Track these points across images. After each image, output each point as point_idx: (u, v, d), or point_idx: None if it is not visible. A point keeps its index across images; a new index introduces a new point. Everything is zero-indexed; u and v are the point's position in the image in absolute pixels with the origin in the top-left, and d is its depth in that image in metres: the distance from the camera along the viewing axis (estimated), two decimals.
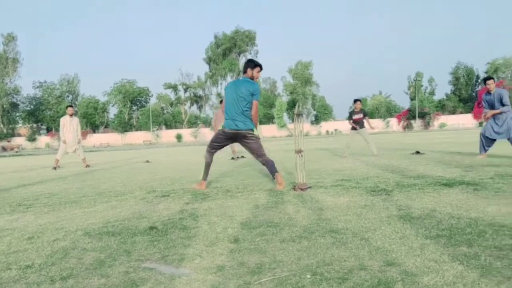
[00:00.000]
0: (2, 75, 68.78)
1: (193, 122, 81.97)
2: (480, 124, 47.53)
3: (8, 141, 65.15)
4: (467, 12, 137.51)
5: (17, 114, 73.30)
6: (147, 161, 12.93)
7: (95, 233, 3.10)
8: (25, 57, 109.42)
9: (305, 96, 72.93)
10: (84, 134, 62.83)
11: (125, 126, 73.71)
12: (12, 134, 70.41)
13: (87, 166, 11.34)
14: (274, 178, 5.09)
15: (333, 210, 3.51)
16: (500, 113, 7.60)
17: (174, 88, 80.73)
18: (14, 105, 71.29)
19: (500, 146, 8.97)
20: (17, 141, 67.35)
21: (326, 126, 70.07)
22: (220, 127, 5.26)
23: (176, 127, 77.79)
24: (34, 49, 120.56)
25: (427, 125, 63.21)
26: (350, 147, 10.32)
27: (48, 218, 3.86)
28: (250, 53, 75.94)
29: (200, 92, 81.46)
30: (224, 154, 12.54)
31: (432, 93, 76.78)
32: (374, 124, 14.16)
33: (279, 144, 24.57)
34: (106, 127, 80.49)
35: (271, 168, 5.08)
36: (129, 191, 5.51)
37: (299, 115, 5.18)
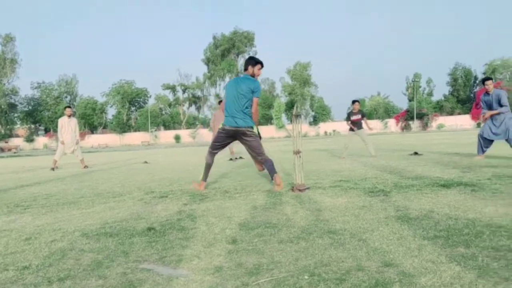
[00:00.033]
0: (0, 75, 68.56)
1: (191, 123, 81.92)
2: (478, 125, 47.66)
3: (6, 142, 64.95)
4: (466, 13, 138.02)
5: (15, 115, 73.07)
6: (146, 162, 12.92)
7: (93, 234, 3.09)
8: (24, 57, 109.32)
9: (304, 97, 72.98)
10: (82, 135, 62.77)
11: (123, 127, 73.62)
12: (10, 135, 70.19)
13: (85, 167, 11.32)
14: (272, 179, 5.09)
15: (331, 211, 3.52)
16: (498, 113, 7.62)
17: (173, 89, 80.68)
18: (12, 106, 71.06)
19: (498, 147, 8.98)
20: (15, 142, 67.20)
21: (324, 127, 70.12)
22: (220, 126, 5.25)
23: (174, 128, 77.73)
24: (33, 49, 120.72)
25: (425, 126, 63.33)
26: (348, 148, 10.33)
27: (46, 219, 3.85)
28: (249, 54, 75.90)
29: (199, 93, 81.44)
30: (222, 155, 12.54)
31: (430, 94, 76.92)
32: (372, 125, 14.17)
33: (278, 145, 24.58)
34: (104, 128, 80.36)
35: (270, 168, 5.07)
36: (127, 192, 5.50)
37: (298, 116, 5.19)
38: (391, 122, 66.62)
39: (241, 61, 75.84)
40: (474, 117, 49.81)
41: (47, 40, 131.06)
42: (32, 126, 74.68)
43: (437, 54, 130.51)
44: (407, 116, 64.38)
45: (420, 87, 75.91)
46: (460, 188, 4.32)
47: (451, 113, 70.32)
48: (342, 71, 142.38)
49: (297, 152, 4.99)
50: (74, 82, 77.90)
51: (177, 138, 67.96)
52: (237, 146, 10.45)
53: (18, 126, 75.26)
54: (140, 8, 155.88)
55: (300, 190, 4.67)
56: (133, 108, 79.24)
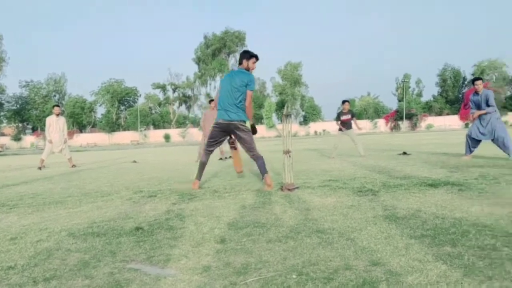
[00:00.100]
0: None
1: (181, 122, 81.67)
2: (466, 125, 48.16)
3: None
4: (456, 14, 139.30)
5: (1, 113, 72.10)
6: (134, 161, 12.83)
7: (80, 233, 3.06)
8: (12, 56, 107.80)
9: (294, 97, 73.23)
10: (70, 134, 62.22)
11: (112, 126, 73.15)
12: None
13: (73, 166, 11.21)
14: (263, 178, 5.07)
15: (320, 210, 3.53)
16: (486, 113, 7.70)
17: (163, 88, 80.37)
18: None
19: (485, 147, 9.09)
20: (1, 140, 66.22)
21: (314, 126, 70.42)
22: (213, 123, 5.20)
23: (164, 127, 77.43)
24: (21, 48, 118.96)
25: (414, 126, 63.90)
26: (337, 148, 10.37)
27: (32, 218, 3.80)
28: (240, 53, 75.88)
29: (189, 92, 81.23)
30: (212, 154, 12.50)
31: (419, 94, 77.69)
32: (362, 125, 14.25)
33: (268, 145, 24.58)
34: (93, 127, 79.79)
35: (261, 166, 5.03)
36: (116, 192, 5.46)
37: (288, 115, 5.18)
38: (381, 122, 67.10)
39: (232, 61, 75.82)
40: (463, 118, 50.20)
41: (36, 39, 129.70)
42: (20, 124, 73.78)
43: (426, 55, 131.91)
44: (397, 116, 64.90)
45: (409, 87, 76.61)
46: (448, 188, 4.36)
47: (439, 113, 71.11)
48: (333, 72, 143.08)
49: (287, 152, 4.99)
50: (63, 80, 77.27)
51: (167, 137, 67.67)
52: (227, 146, 10.42)
53: (5, 124, 74.29)
54: (133, 8, 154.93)
55: (289, 190, 4.67)
56: (122, 107, 78.78)
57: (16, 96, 72.12)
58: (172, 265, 2.24)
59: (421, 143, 16.09)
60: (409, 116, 63.83)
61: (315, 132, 68.21)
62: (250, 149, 5.08)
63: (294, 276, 1.96)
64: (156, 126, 78.43)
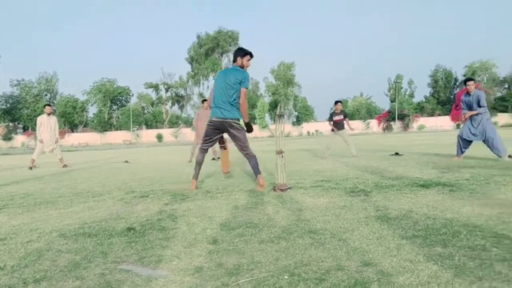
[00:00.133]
0: None
1: (174, 122, 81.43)
2: (458, 126, 48.59)
3: None
4: (447, 16, 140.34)
5: None
6: (127, 161, 12.77)
7: (71, 234, 3.04)
8: (3, 54, 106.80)
9: (287, 97, 73.33)
10: (62, 134, 61.68)
11: (104, 125, 72.75)
12: None
13: (65, 166, 11.13)
14: (256, 178, 5.05)
15: (312, 210, 3.53)
16: (477, 114, 7.75)
17: (156, 87, 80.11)
18: None
19: (476, 148, 9.17)
20: None
21: (307, 127, 70.60)
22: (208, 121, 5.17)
23: (157, 127, 77.17)
24: (12, 47, 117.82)
25: (406, 127, 64.32)
26: (330, 148, 10.40)
27: (22, 219, 3.76)
28: (233, 53, 75.86)
29: (182, 92, 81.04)
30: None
31: (411, 95, 78.17)
32: (354, 126, 14.31)
33: (261, 145, 24.59)
34: (85, 126, 79.25)
35: (255, 166, 5.01)
36: (107, 192, 5.42)
37: (281, 116, 5.18)
38: (373, 122, 67.44)
39: (225, 61, 75.78)
40: (454, 118, 50.74)
41: (27, 38, 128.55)
42: (10, 124, 73.07)
43: (419, 56, 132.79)
44: (389, 117, 65.27)
45: (402, 88, 77.05)
46: (439, 188, 4.39)
47: (431, 114, 71.63)
48: (326, 72, 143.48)
49: (280, 152, 4.99)
50: (54, 80, 76.74)
51: (159, 137, 67.42)
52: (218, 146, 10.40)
53: None
54: (127, 8, 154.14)
55: (282, 190, 4.68)
56: (115, 107, 78.39)
57: (6, 95, 71.49)
58: (163, 266, 2.23)
59: (413, 144, 16.19)
60: (401, 117, 64.25)
61: (308, 132, 68.37)
62: (243, 147, 5.06)
63: (286, 277, 1.96)
64: (149, 126, 78.12)
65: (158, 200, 4.54)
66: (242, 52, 5.08)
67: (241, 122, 5.03)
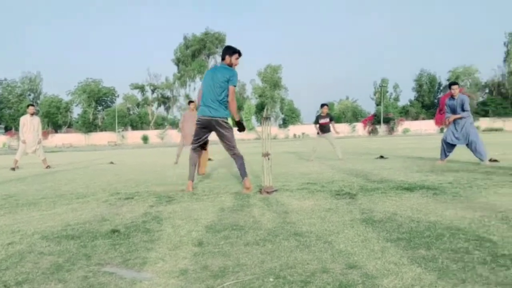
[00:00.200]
0: None
1: (160, 124, 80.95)
2: (441, 130, 49.28)
3: None
4: (431, 20, 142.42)
5: None
6: (111, 163, 12.64)
7: (54, 236, 2.99)
8: None
9: (274, 100, 73.49)
10: (45, 134, 60.76)
11: (89, 126, 71.92)
12: None
13: (48, 167, 10.96)
14: (243, 180, 5.05)
15: (298, 213, 3.54)
16: (461, 118, 7.86)
17: (141, 88, 79.53)
18: None
19: (460, 152, 9.31)
20: None
21: (293, 129, 70.87)
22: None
23: (142, 128, 76.56)
24: None
25: (391, 130, 65.07)
26: (316, 151, 10.46)
27: (4, 220, 3.69)
28: (220, 55, 75.79)
29: (168, 93, 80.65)
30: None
31: (396, 99, 79.13)
32: (340, 129, 14.42)
33: (247, 147, 24.58)
34: (69, 127, 78.22)
35: (241, 168, 5.01)
36: (92, 193, 5.36)
37: (267, 118, 5.19)
38: (359, 126, 68.05)
39: (212, 62, 75.65)
40: (438, 123, 51.42)
41: (9, 36, 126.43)
42: None
43: (403, 60, 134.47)
44: (374, 120, 65.95)
45: (387, 92, 77.94)
46: (423, 192, 4.45)
47: (416, 118, 72.60)
48: (313, 75, 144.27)
49: (266, 155, 5.00)
50: (38, 79, 75.66)
51: (145, 138, 66.96)
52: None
53: None
54: (108, 6, 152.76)
55: (268, 193, 4.68)
56: (99, 108, 77.59)
57: None
58: (148, 268, 2.21)
59: (398, 147, 16.38)
60: (387, 120, 64.98)
61: (294, 135, 68.65)
62: (230, 147, 5.05)
63: (271, 279, 1.96)
64: (134, 127, 77.45)
65: (143, 202, 4.50)
66: (230, 51, 5.06)
67: (230, 121, 5.02)
